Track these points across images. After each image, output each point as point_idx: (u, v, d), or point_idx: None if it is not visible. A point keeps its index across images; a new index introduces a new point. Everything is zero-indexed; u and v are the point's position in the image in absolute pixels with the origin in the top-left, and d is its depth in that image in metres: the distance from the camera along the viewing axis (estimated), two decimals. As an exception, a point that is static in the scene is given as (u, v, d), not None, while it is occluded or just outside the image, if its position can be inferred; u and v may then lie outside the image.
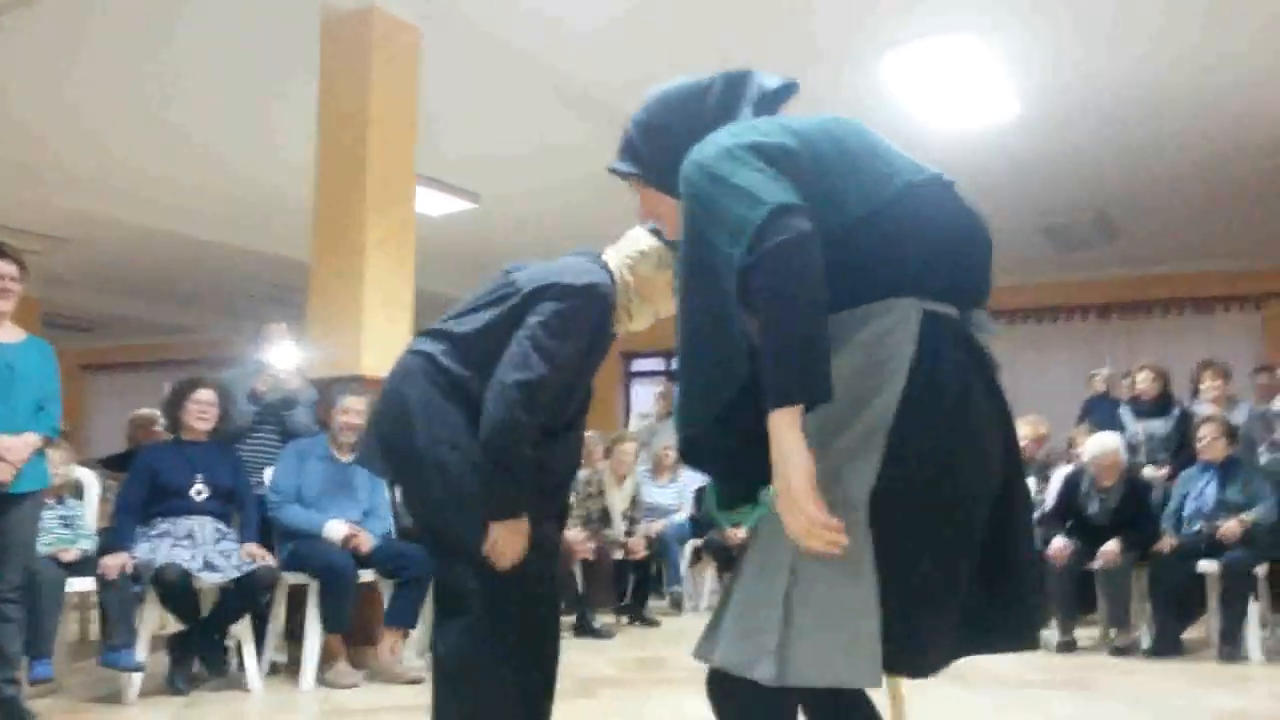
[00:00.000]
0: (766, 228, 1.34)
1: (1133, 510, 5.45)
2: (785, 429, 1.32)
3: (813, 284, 1.34)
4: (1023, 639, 1.55)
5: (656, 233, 2.42)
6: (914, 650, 1.42)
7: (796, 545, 1.35)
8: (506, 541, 2.25)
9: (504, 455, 2.23)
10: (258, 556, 4.21)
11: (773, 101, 1.67)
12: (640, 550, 6.47)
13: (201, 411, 4.45)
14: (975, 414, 1.43)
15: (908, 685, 1.63)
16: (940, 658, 1.49)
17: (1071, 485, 5.69)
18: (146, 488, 4.31)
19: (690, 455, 1.60)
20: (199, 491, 4.32)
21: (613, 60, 5.70)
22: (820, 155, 1.46)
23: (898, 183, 1.47)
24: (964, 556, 1.44)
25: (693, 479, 7.54)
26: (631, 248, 2.46)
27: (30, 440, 3.61)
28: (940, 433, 1.39)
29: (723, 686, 1.48)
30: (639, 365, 12.56)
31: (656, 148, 1.66)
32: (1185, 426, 6.05)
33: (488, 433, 2.23)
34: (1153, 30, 5.34)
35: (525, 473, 2.27)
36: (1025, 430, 6.22)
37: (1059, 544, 5.38)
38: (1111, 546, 5.26)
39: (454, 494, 2.27)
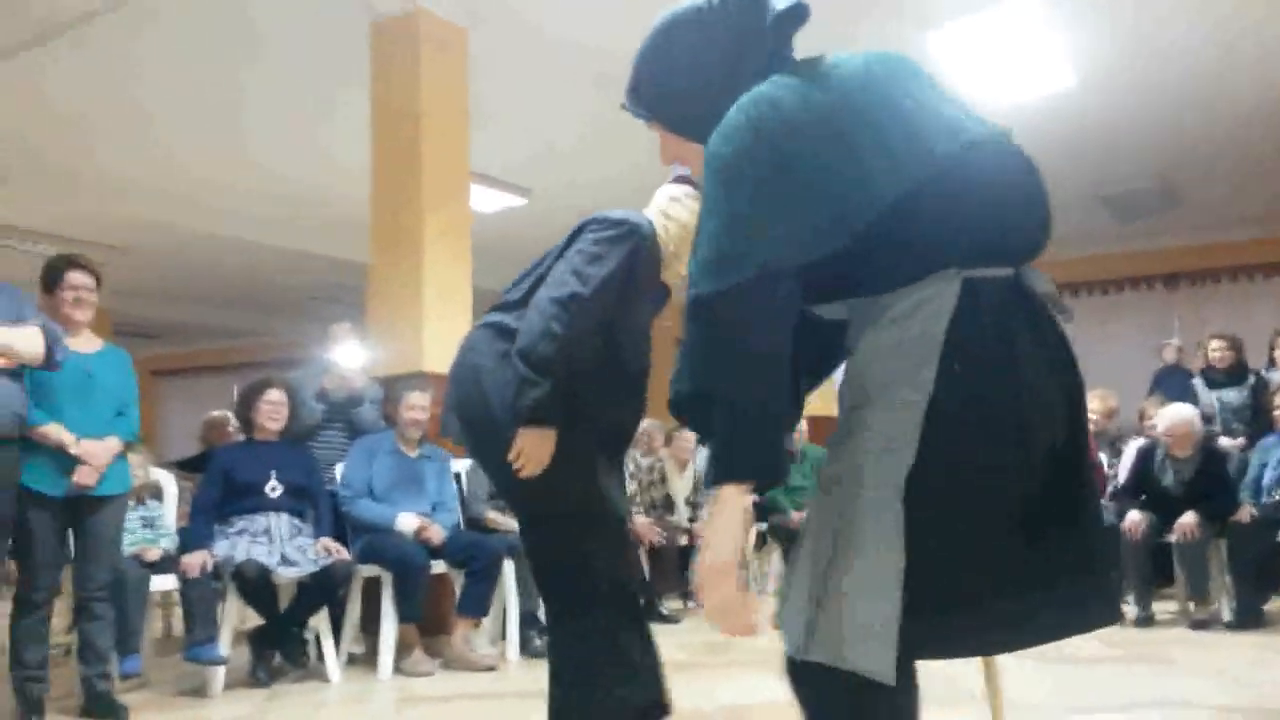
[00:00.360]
0: (745, 289, 1.28)
1: (1209, 481, 5.33)
2: (730, 501, 1.32)
3: (773, 361, 1.31)
4: (1105, 615, 1.45)
5: (688, 179, 2.46)
6: (949, 633, 1.34)
7: (836, 530, 1.33)
8: (533, 448, 2.31)
9: (536, 363, 2.29)
10: (333, 550, 4.30)
11: (786, 27, 1.51)
12: (705, 536, 6.47)
13: (273, 411, 4.56)
14: (1018, 380, 1.33)
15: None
16: (989, 641, 1.41)
17: (1145, 458, 5.58)
18: (222, 487, 4.42)
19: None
20: (273, 489, 4.42)
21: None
22: (848, 138, 1.35)
23: (938, 155, 1.35)
24: (1012, 533, 1.34)
25: None
26: (663, 196, 2.53)
27: (112, 445, 3.72)
28: (977, 415, 1.31)
29: (792, 663, 1.42)
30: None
31: (661, 86, 1.54)
32: (1260, 395, 5.91)
33: (521, 342, 2.31)
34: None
35: (557, 384, 2.29)
36: (1095, 404, 6.12)
37: (1134, 517, 5.29)
38: (1189, 519, 5.16)
39: None
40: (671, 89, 1.52)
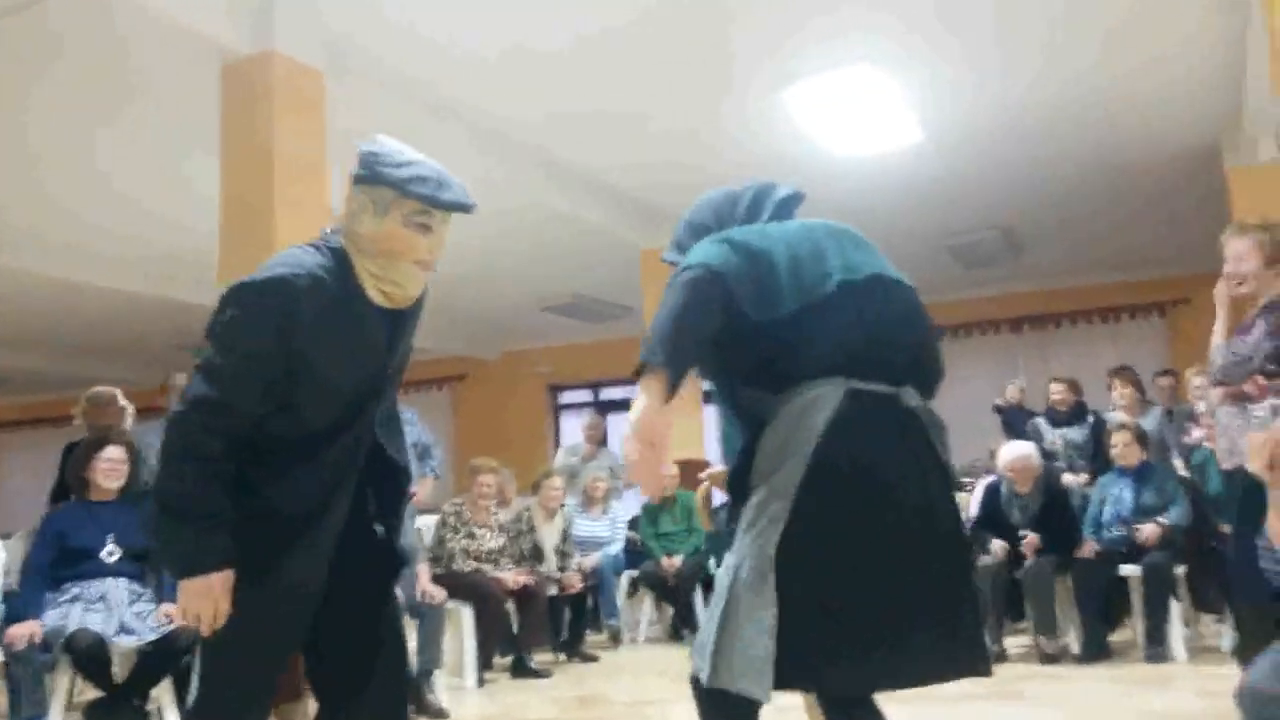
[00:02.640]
0: (710, 266, 1.73)
1: (1054, 515, 5.58)
2: (648, 384, 1.65)
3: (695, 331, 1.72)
4: (975, 667, 1.80)
5: (357, 177, 2.06)
6: (808, 669, 1.67)
7: (734, 575, 1.71)
8: (194, 604, 1.94)
9: (176, 503, 1.90)
10: (174, 616, 4.05)
11: (784, 209, 2.03)
12: (575, 584, 6.41)
13: (110, 469, 4.30)
14: (883, 476, 1.70)
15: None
16: (846, 681, 1.72)
17: (992, 494, 5.81)
18: (54, 551, 4.14)
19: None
20: (110, 553, 4.16)
21: (522, 95, 5.72)
22: (772, 262, 1.77)
23: (833, 282, 1.77)
24: (870, 595, 1.68)
25: (624, 510, 7.51)
26: (348, 209, 2.07)
27: None
28: (838, 497, 1.68)
29: (697, 686, 1.79)
30: (567, 398, 12.51)
31: (696, 242, 1.91)
32: (1100, 433, 6.23)
33: (156, 485, 1.93)
34: (1040, 54, 5.53)
35: (205, 515, 1.91)
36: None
37: (998, 544, 5.48)
38: (1031, 538, 5.42)
39: None
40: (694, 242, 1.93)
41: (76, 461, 4.39)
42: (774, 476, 1.70)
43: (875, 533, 1.68)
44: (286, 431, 1.99)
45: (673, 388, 1.66)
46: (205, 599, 1.93)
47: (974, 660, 1.78)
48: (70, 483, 4.43)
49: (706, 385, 2.00)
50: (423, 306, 2.20)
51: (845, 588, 1.66)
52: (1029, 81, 5.84)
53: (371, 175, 2.01)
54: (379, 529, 2.18)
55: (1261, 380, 3.46)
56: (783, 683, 1.65)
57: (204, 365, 1.94)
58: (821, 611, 1.66)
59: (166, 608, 4.10)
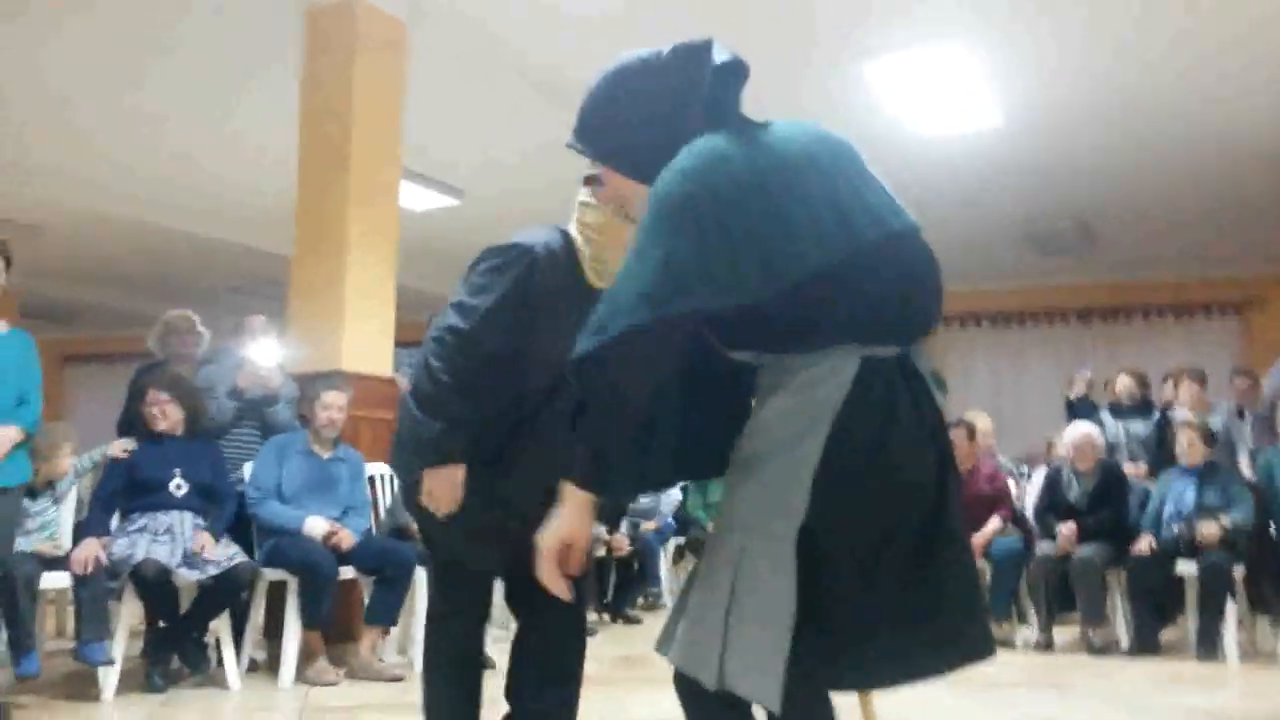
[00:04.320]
0: (639, 331, 1.44)
1: (1109, 501, 5.53)
2: (570, 498, 1.55)
3: (641, 403, 1.52)
4: (981, 650, 1.62)
5: (595, 178, 2.38)
6: (836, 670, 1.52)
7: (736, 567, 1.50)
8: (439, 488, 2.35)
9: (422, 403, 2.34)
10: (206, 546, 4.12)
11: (730, 81, 1.63)
12: (624, 547, 6.47)
13: (160, 412, 4.39)
14: (898, 449, 1.51)
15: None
16: (875, 677, 1.56)
17: (1053, 480, 5.77)
18: (124, 482, 4.27)
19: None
20: (178, 486, 4.28)
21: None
22: (782, 207, 1.49)
23: (860, 238, 1.50)
24: (893, 579, 1.51)
25: None
26: (577, 203, 2.50)
27: (10, 435, 3.57)
28: (860, 476, 1.49)
29: (685, 681, 1.59)
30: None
31: (610, 130, 1.66)
32: (1164, 429, 6.11)
33: (413, 384, 2.39)
34: (1126, 39, 5.39)
35: (456, 420, 2.32)
36: (982, 424, 6.38)
37: (1066, 529, 5.42)
38: (1069, 528, 5.39)
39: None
40: (619, 133, 1.64)
41: (132, 398, 4.51)
42: (783, 457, 1.50)
43: (892, 520, 1.51)
44: (512, 382, 2.40)
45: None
46: (447, 484, 2.35)
47: (988, 643, 1.64)
48: (133, 417, 4.53)
49: None
50: None
51: (865, 579, 1.50)
52: (1111, 66, 5.69)
53: (590, 176, 2.37)
54: None
55: None
56: (799, 684, 1.46)
57: (457, 304, 2.38)
58: (843, 603, 1.49)
59: (201, 537, 4.16)
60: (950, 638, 1.57)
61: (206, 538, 4.17)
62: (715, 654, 1.49)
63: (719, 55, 1.61)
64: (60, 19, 5.24)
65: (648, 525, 6.79)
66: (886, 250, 1.53)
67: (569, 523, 1.56)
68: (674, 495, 7.27)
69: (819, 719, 1.57)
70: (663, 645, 1.64)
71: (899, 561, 1.51)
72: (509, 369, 2.39)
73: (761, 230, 1.46)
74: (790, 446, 1.50)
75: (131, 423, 4.58)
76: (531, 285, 2.38)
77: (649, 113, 1.60)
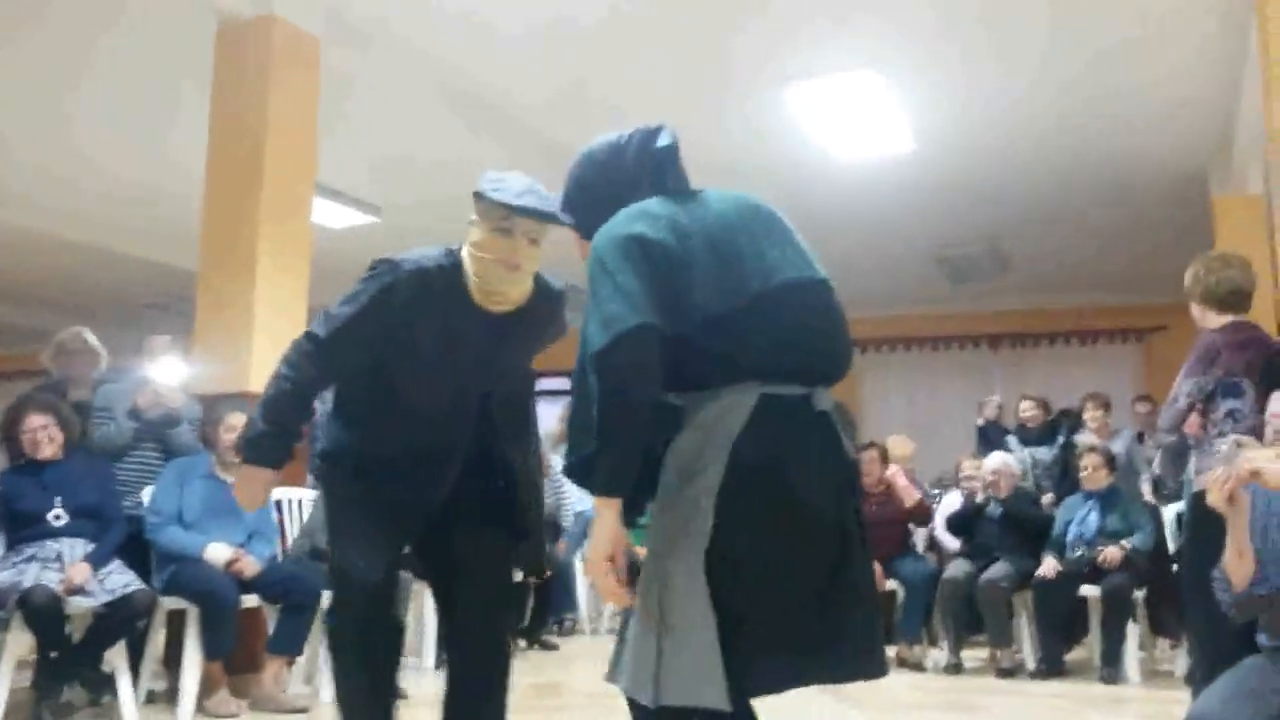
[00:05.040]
0: (628, 337, 1.61)
1: (1023, 524, 5.65)
2: (604, 510, 1.67)
3: (646, 402, 1.64)
4: (872, 669, 1.76)
5: (475, 194, 2.44)
6: (752, 676, 1.65)
7: (660, 590, 1.67)
8: (244, 484, 2.50)
9: (260, 404, 2.45)
10: (78, 578, 3.89)
11: (668, 159, 1.88)
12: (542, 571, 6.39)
13: (32, 440, 4.17)
14: (799, 478, 1.68)
15: (793, 702, 1.81)
16: (781, 681, 1.69)
17: (968, 505, 5.89)
18: (1, 518, 4.09)
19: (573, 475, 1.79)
20: (57, 516, 4.09)
21: (522, 75, 5.68)
22: (692, 258, 1.71)
23: (756, 286, 1.72)
24: (794, 596, 1.68)
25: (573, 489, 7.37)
26: (468, 221, 2.46)
27: None
28: (758, 499, 1.65)
29: (637, 709, 1.74)
30: (544, 384, 12.45)
31: (587, 203, 1.92)
32: (1069, 455, 6.27)
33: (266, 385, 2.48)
34: (1034, 69, 5.55)
35: (284, 426, 2.43)
36: (900, 450, 6.52)
37: (1050, 563, 5.40)
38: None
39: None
40: (589, 203, 1.90)
41: (2, 433, 4.26)
42: (689, 486, 1.67)
43: (792, 535, 1.67)
44: (377, 390, 2.45)
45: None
46: (257, 483, 2.49)
47: (882, 661, 1.78)
48: (9, 448, 4.29)
49: None
50: (547, 320, 2.59)
51: (770, 589, 1.66)
52: (1021, 95, 5.87)
53: (478, 193, 2.40)
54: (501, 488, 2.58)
55: (1194, 420, 3.49)
56: (733, 688, 1.62)
57: (324, 312, 2.44)
58: (752, 613, 1.65)
59: (72, 569, 3.92)
60: (848, 657, 1.72)
61: (81, 569, 3.94)
62: (649, 674, 1.64)
63: (664, 139, 1.90)
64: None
65: (559, 546, 6.71)
66: (786, 298, 1.74)
67: (606, 535, 1.67)
68: (573, 507, 7.18)
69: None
70: (611, 674, 1.78)
71: (802, 582, 1.68)
72: (374, 381, 2.46)
73: (670, 279, 1.68)
74: (694, 476, 1.67)
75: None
76: (392, 300, 2.37)
77: (611, 183, 1.88)
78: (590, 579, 1.75)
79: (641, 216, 1.74)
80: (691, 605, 1.63)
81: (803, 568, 1.68)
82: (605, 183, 1.90)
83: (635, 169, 1.88)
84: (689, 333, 1.67)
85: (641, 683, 1.66)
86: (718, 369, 1.70)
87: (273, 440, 2.44)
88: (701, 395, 1.70)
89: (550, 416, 9.87)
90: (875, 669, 1.76)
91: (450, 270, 2.43)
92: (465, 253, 2.45)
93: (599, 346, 1.61)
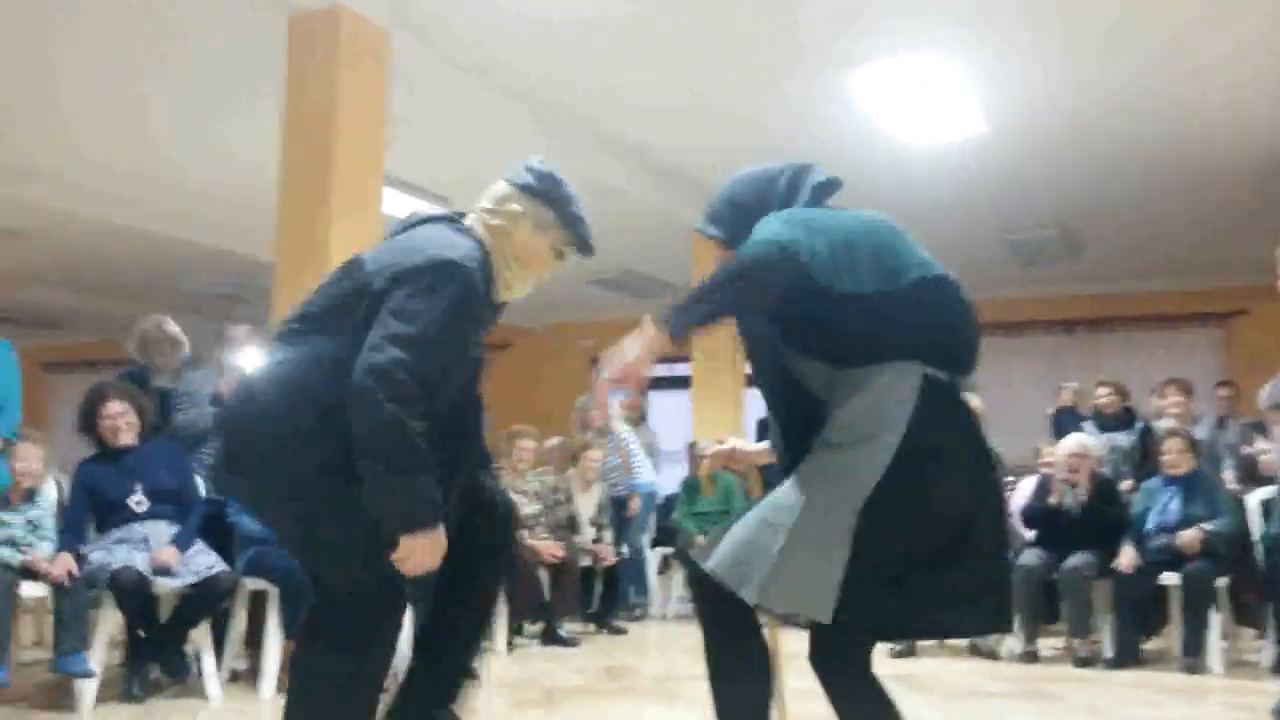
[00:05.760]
0: (787, 246, 1.84)
1: (1103, 510, 5.52)
2: (647, 329, 1.84)
3: (768, 287, 1.87)
4: (999, 619, 1.97)
5: (529, 187, 2.31)
6: (857, 606, 1.85)
7: (804, 515, 1.86)
8: (426, 552, 2.06)
9: (396, 455, 1.99)
10: (169, 562, 4.03)
11: (822, 193, 2.10)
12: (609, 557, 6.45)
13: (112, 426, 4.31)
14: (951, 459, 1.90)
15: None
16: (877, 621, 1.92)
17: (1042, 490, 5.76)
18: (86, 505, 4.25)
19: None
20: (139, 502, 4.23)
21: (582, 65, 5.70)
22: (849, 241, 1.91)
23: (910, 276, 1.92)
24: (923, 558, 1.88)
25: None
26: (503, 208, 2.29)
27: None
28: (922, 473, 1.86)
29: (704, 587, 2.00)
30: (609, 374, 12.52)
31: (738, 218, 2.09)
32: (1147, 440, 6.12)
33: (367, 440, 2.00)
34: (1106, 50, 5.41)
35: (425, 467, 2.03)
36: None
37: (1129, 553, 5.30)
38: (1129, 552, 5.28)
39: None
40: (742, 224, 2.05)
41: (83, 418, 4.39)
42: (862, 445, 1.86)
43: (943, 510, 1.88)
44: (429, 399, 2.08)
45: (674, 341, 1.85)
46: (438, 544, 2.08)
47: (1005, 613, 1.98)
48: (88, 437, 4.42)
49: (749, 367, 2.18)
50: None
51: (906, 548, 1.87)
52: (1093, 77, 5.72)
53: (545, 197, 2.30)
54: (488, 484, 2.47)
55: None
56: (838, 614, 1.82)
57: (403, 335, 2.03)
58: (884, 562, 1.85)
59: (159, 553, 4.03)
60: (972, 613, 1.93)
61: (170, 552, 4.08)
62: (760, 576, 1.85)
63: (817, 176, 2.11)
64: (53, 18, 5.21)
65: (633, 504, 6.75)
66: (937, 289, 1.95)
67: (639, 347, 1.81)
68: (643, 489, 7.21)
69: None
70: (701, 557, 1.97)
71: (932, 552, 1.88)
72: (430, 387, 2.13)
73: (834, 256, 1.88)
74: (869, 439, 1.87)
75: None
76: (468, 302, 2.14)
77: (763, 210, 2.04)
78: (608, 361, 1.84)
79: (787, 221, 1.93)
80: (833, 530, 1.84)
81: (942, 544, 1.88)
82: (755, 202, 2.09)
83: (787, 195, 2.09)
84: (855, 305, 1.88)
85: (743, 579, 1.87)
86: (880, 345, 1.91)
87: (435, 487, 2.06)
88: (864, 369, 1.91)
89: (613, 404, 9.96)
90: (1006, 619, 1.98)
91: (486, 265, 2.26)
92: (486, 239, 2.29)
93: (754, 250, 1.86)
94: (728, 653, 2.06)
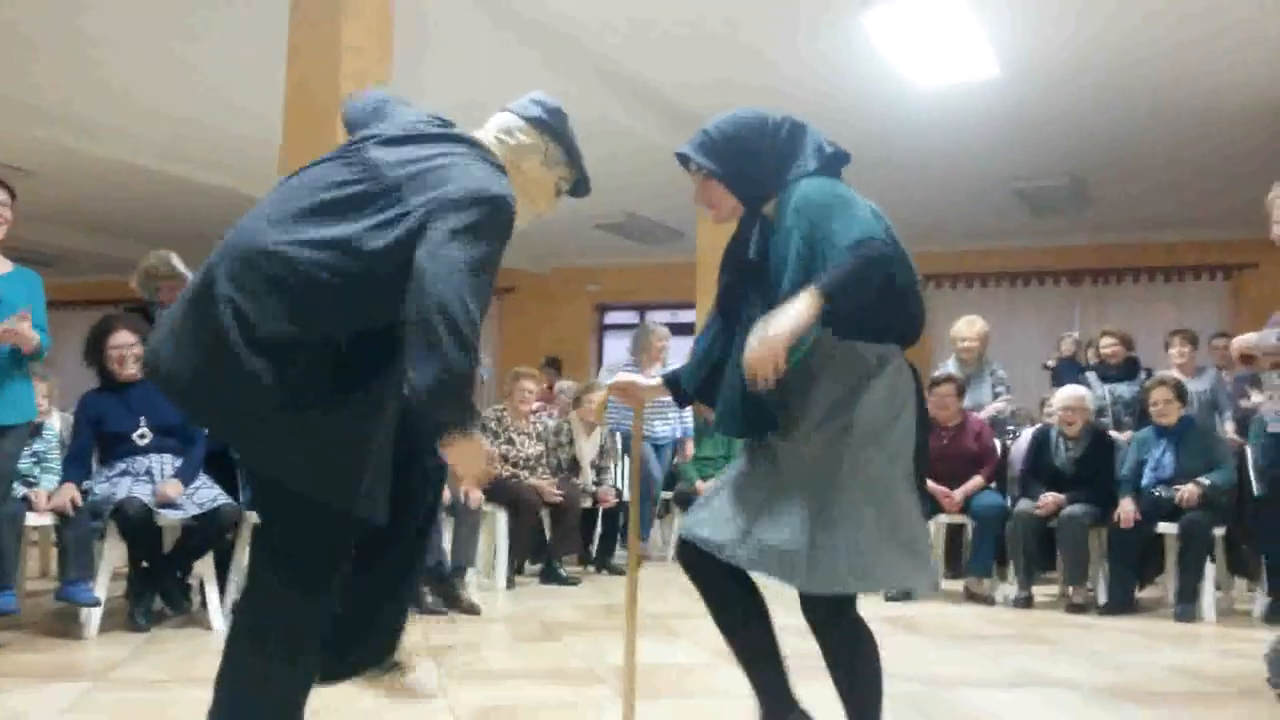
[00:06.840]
0: (878, 241, 2.01)
1: (1098, 462, 5.53)
2: (808, 300, 1.92)
3: (877, 281, 2.03)
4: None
5: (540, 121, 2.21)
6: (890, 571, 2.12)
7: (896, 511, 2.10)
8: (472, 458, 1.90)
9: (456, 401, 1.84)
10: (170, 493, 4.08)
11: (837, 163, 2.19)
12: (609, 499, 6.49)
13: (119, 356, 4.32)
14: (921, 415, 2.22)
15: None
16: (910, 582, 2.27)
17: (1040, 441, 5.76)
18: (90, 437, 4.28)
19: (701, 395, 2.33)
20: (142, 436, 4.26)
21: (594, 6, 5.60)
22: (896, 237, 2.11)
23: (918, 273, 2.17)
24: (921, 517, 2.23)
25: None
26: (513, 139, 2.18)
27: (33, 334, 3.62)
28: (921, 445, 2.20)
29: (696, 562, 2.20)
30: (613, 318, 12.52)
31: (734, 156, 2.18)
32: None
33: (433, 383, 1.80)
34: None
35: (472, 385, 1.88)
36: (969, 330, 6.46)
37: (1050, 498, 5.41)
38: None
39: None
40: (736, 163, 2.19)
41: (90, 348, 4.40)
42: (895, 424, 2.12)
43: (923, 469, 2.22)
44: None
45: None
46: (481, 451, 1.91)
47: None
48: (95, 368, 4.44)
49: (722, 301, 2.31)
50: None
51: (919, 509, 2.19)
52: (1107, 22, 5.62)
53: (556, 134, 2.24)
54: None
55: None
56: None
57: (463, 266, 1.85)
58: (916, 523, 2.16)
59: (163, 487, 4.08)
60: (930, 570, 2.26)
61: (174, 485, 4.13)
62: (858, 569, 2.03)
63: (817, 138, 2.21)
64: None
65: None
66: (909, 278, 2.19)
67: (801, 319, 1.91)
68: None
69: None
70: (729, 551, 2.10)
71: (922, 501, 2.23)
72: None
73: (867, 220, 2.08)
74: (894, 420, 2.13)
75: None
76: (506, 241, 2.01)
77: (760, 155, 2.18)
78: (753, 350, 1.94)
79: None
80: (915, 511, 2.15)
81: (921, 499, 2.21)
82: (754, 146, 2.18)
83: (786, 148, 2.18)
84: (903, 296, 2.13)
85: (851, 575, 2.03)
86: (895, 330, 2.16)
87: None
88: (888, 350, 2.15)
89: (618, 348, 9.97)
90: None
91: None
92: (509, 169, 2.14)
93: (872, 232, 2.01)
94: (735, 611, 2.27)
